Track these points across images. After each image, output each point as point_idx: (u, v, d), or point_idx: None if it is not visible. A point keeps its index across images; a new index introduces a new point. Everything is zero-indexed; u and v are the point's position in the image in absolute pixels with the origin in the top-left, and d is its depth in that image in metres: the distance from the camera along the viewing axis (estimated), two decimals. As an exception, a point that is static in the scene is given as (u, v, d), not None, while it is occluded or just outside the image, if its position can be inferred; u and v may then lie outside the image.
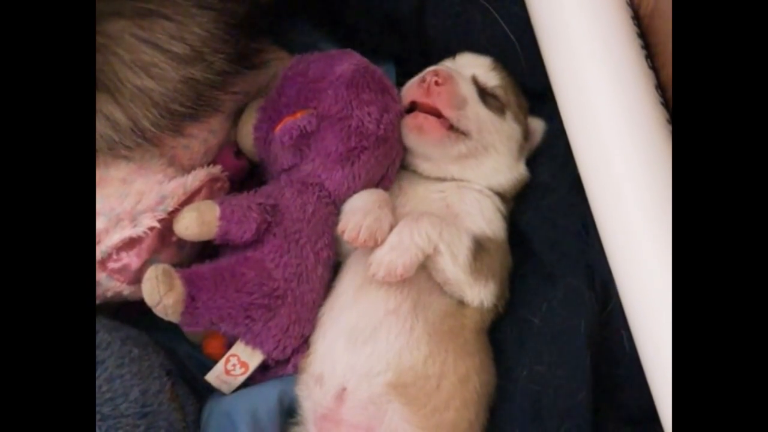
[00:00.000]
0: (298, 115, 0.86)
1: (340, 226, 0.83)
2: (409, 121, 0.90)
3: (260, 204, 0.84)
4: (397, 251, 0.80)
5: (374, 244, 0.81)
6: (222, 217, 0.82)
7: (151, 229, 0.80)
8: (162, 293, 0.77)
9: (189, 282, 0.79)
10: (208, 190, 0.85)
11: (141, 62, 0.77)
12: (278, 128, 0.86)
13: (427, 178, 0.94)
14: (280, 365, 0.85)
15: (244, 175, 0.96)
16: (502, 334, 0.88)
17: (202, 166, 0.88)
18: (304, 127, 0.85)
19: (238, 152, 0.94)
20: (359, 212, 0.84)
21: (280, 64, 0.96)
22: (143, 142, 0.81)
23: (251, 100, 0.95)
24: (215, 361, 0.84)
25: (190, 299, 0.79)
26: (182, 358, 0.90)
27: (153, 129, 0.80)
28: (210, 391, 0.86)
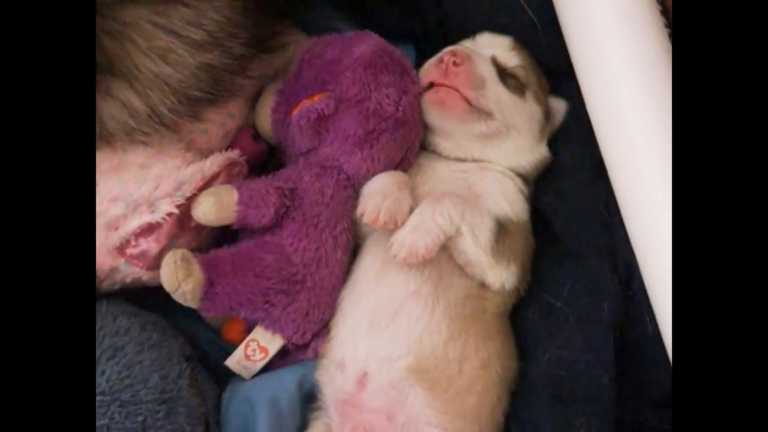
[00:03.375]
0: (316, 98, 0.85)
1: (360, 209, 0.83)
2: (431, 96, 0.89)
3: (278, 188, 0.84)
4: (419, 232, 0.80)
5: (394, 226, 0.81)
6: (240, 202, 0.82)
7: (170, 214, 0.80)
8: (180, 279, 0.77)
9: (207, 267, 0.80)
10: (226, 175, 0.85)
11: (158, 49, 0.77)
12: (295, 111, 0.86)
13: (447, 157, 0.93)
14: (300, 350, 0.85)
15: (263, 159, 0.96)
16: (524, 318, 0.87)
17: (220, 150, 0.88)
18: (322, 110, 0.85)
19: (256, 135, 0.94)
20: (378, 194, 0.83)
21: (297, 46, 0.95)
22: (161, 128, 0.81)
23: (269, 83, 0.95)
24: (235, 347, 0.84)
25: (209, 285, 0.79)
26: (202, 344, 0.90)
27: (170, 115, 0.80)
28: (230, 376, 0.86)
